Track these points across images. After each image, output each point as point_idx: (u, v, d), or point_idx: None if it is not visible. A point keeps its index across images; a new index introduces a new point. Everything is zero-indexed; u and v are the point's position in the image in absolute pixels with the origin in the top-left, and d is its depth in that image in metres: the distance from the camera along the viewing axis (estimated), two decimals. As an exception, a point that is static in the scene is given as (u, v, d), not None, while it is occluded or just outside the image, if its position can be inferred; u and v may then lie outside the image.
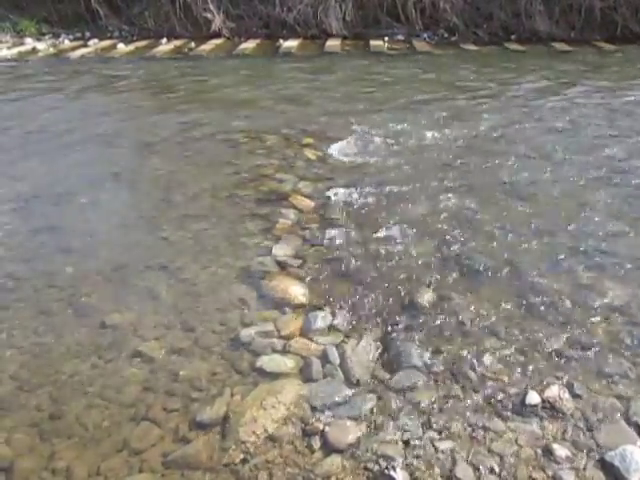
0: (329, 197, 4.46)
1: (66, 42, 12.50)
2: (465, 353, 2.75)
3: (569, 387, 2.52)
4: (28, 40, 12.44)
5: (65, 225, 4.15)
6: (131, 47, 11.93)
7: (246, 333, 2.92)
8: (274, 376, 2.64)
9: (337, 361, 2.72)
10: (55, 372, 2.70)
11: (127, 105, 7.69)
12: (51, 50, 11.85)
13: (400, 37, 12.54)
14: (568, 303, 3.11)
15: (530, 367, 2.65)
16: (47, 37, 12.75)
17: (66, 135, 6.16)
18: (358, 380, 2.60)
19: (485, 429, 2.33)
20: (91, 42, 12.34)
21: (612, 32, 11.95)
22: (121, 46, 11.93)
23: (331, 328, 2.96)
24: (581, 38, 11.93)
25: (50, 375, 2.68)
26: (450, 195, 4.44)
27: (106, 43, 12.29)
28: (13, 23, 12.89)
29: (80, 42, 12.45)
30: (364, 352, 2.77)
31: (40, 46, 12.02)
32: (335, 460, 2.21)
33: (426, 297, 3.17)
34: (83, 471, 2.19)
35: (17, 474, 2.20)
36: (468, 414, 2.41)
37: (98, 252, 3.75)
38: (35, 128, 6.42)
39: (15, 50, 11.68)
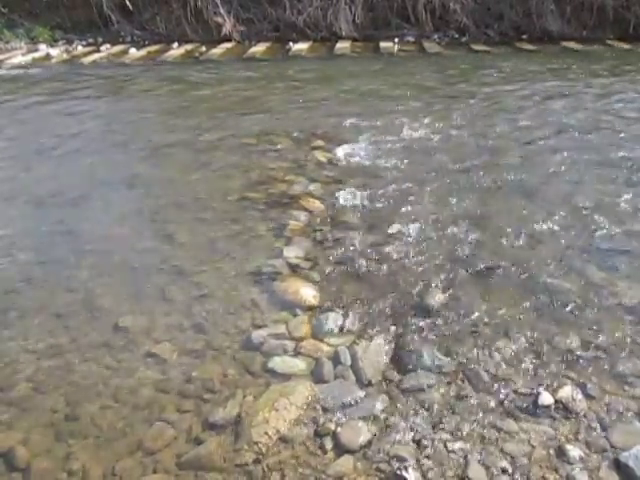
0: (339, 199, 4.47)
1: (79, 48, 12.64)
2: (477, 354, 2.74)
3: (582, 387, 2.51)
4: (42, 46, 12.59)
5: (79, 229, 4.20)
6: (143, 52, 12.03)
7: (258, 335, 2.94)
8: (286, 377, 2.65)
9: (348, 362, 2.73)
10: (70, 374, 2.73)
11: (139, 109, 7.76)
12: (64, 56, 11.97)
13: (410, 38, 12.52)
14: (580, 303, 3.10)
15: (542, 368, 2.64)
16: (60, 43, 12.89)
17: (80, 139, 6.24)
18: (370, 381, 2.61)
19: (497, 430, 2.33)
20: (103, 47, 12.46)
21: (624, 30, 11.85)
22: (133, 51, 12.03)
23: (342, 329, 2.97)
24: (593, 37, 11.85)
25: (65, 377, 2.71)
26: (460, 196, 4.44)
27: (118, 48, 12.40)
28: (27, 30, 13.07)
29: (93, 47, 12.57)
30: (375, 353, 2.77)
31: (54, 52, 12.15)
32: (347, 461, 2.21)
33: (437, 298, 3.17)
34: (98, 471, 2.22)
35: (34, 475, 2.22)
36: (480, 415, 2.40)
37: (111, 255, 3.79)
38: (49, 133, 6.50)
39: (29, 56, 11.82)
